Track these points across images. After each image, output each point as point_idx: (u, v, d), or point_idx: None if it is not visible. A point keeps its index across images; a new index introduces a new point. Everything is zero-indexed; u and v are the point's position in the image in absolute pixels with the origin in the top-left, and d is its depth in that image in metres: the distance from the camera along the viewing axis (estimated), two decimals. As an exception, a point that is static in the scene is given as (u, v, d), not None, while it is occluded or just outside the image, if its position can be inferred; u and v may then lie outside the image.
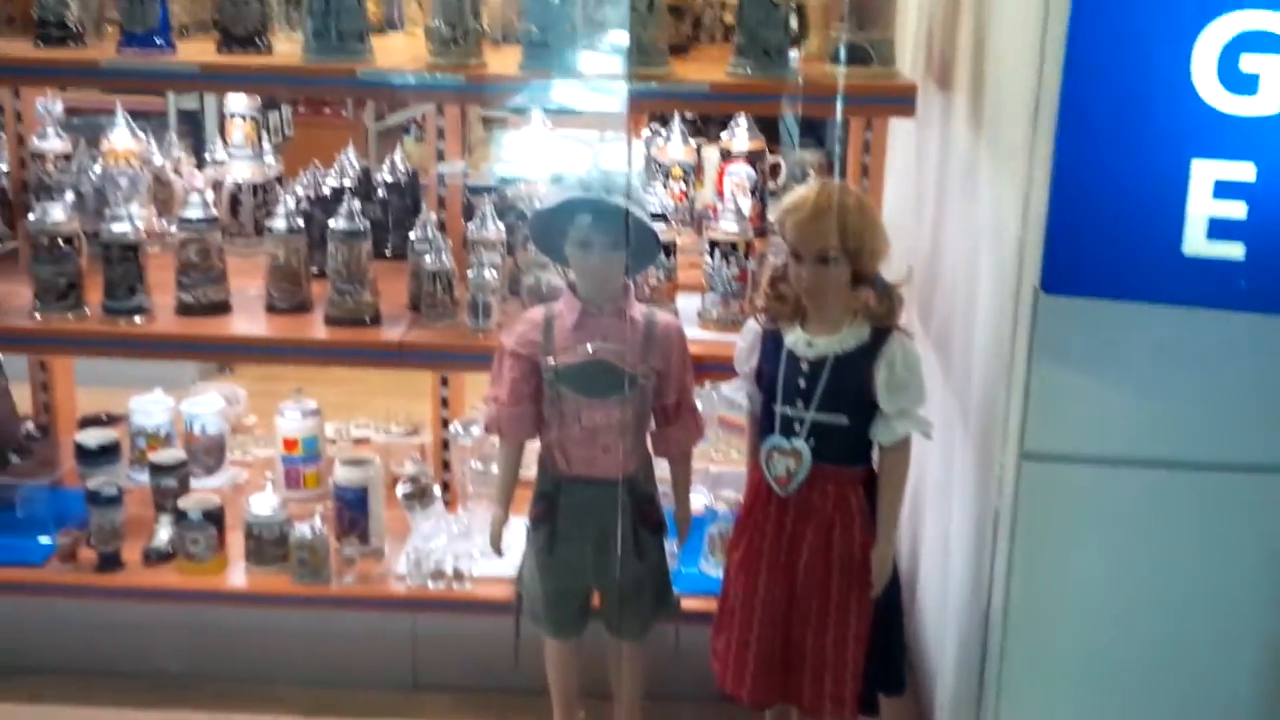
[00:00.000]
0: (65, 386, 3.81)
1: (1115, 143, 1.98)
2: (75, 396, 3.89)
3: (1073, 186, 2.03)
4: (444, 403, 3.49)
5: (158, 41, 3.04)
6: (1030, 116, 2.16)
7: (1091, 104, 1.99)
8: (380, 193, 3.71)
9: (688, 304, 3.24)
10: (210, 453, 3.66)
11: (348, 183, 3.69)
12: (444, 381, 3.48)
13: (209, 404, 3.69)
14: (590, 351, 2.73)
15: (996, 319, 2.38)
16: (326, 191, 3.64)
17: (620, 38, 2.98)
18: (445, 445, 3.50)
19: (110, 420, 3.84)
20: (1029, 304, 2.14)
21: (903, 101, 2.84)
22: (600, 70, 2.98)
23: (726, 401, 3.59)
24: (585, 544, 2.80)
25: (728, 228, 3.15)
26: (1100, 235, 2.03)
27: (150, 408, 3.65)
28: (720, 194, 3.45)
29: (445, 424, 3.48)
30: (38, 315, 3.15)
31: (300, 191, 3.60)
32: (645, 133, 3.64)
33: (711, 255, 3.14)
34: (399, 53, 3.23)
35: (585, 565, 2.82)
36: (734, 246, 3.12)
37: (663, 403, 2.82)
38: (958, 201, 2.91)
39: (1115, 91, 1.97)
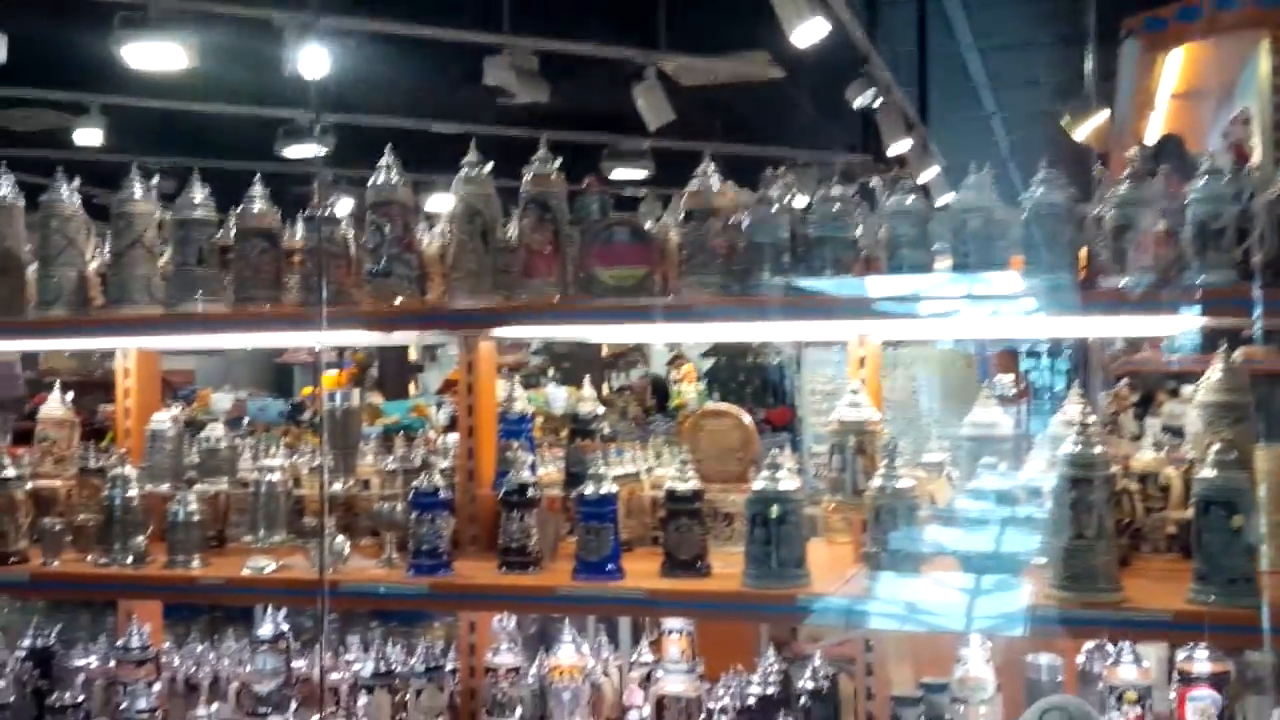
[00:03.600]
0: None
1: None
2: None
3: None
4: None
5: (609, 568, 3.22)
6: None
7: None
8: (802, 700, 3.65)
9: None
10: None
11: (771, 690, 3.66)
12: None
13: None
14: None
15: None
16: (751, 700, 3.62)
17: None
18: None
19: None
20: None
21: None
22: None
23: None
24: None
25: (1197, 765, 2.85)
26: None
27: None
28: (1181, 720, 3.16)
29: None
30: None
31: (726, 701, 3.60)
32: (1087, 646, 3.43)
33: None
34: (828, 569, 3.27)
35: None
36: (1207, 788, 2.81)
37: None
38: None
39: None
